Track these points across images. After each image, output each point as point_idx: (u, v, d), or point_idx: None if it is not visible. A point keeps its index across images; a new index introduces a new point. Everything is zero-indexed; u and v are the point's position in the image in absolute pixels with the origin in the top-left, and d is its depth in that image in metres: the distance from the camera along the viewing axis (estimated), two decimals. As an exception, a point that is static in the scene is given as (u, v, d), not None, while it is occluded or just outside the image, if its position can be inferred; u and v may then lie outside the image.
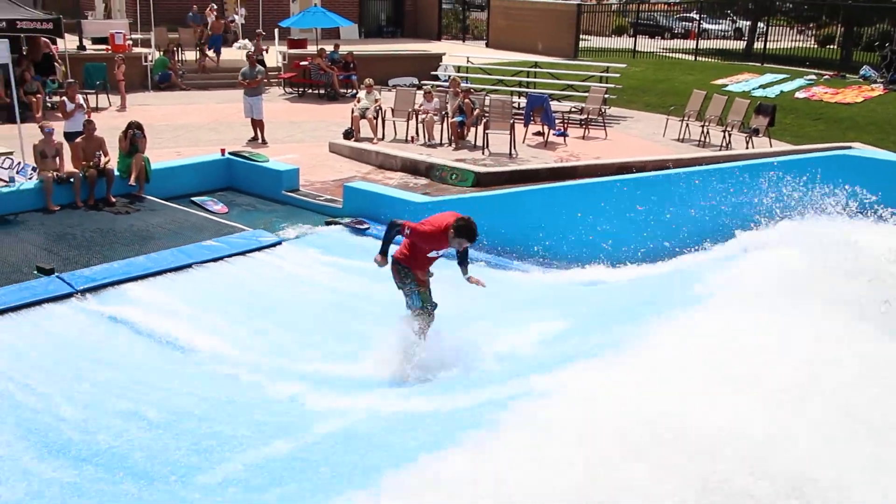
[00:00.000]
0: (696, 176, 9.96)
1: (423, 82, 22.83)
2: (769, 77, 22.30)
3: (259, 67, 17.40)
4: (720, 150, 16.40)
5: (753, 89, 21.11)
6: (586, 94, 19.90)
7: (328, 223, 11.64)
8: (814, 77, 22.01)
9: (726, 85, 21.72)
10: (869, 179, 8.44)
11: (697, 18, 33.03)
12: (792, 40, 29.18)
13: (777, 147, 16.10)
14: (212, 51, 25.02)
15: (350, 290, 9.52)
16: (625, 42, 30.75)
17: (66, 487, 6.00)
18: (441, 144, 16.90)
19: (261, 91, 17.08)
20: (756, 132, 16.77)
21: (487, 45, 31.37)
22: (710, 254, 9.13)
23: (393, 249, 7.53)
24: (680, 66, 26.18)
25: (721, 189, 9.42)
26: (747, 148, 16.27)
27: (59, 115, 14.93)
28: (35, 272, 9.22)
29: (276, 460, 6.06)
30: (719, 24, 36.26)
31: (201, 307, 8.92)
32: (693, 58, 27.77)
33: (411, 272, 7.44)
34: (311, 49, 24.85)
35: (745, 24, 33.47)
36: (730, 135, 16.85)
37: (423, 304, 7.47)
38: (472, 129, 17.03)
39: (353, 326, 8.55)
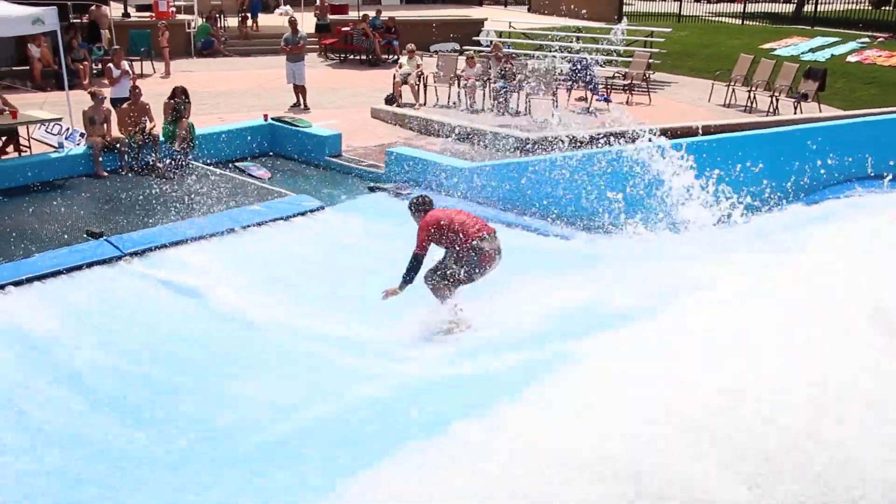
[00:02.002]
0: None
1: (464, 48, 22.64)
2: (819, 40, 21.65)
3: (301, 33, 17.34)
4: (767, 115, 16.06)
5: (803, 53, 20.54)
6: (630, 60, 19.58)
7: (371, 189, 11.64)
8: (867, 40, 21.27)
9: (774, 49, 21.19)
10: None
11: (746, -19, 32.24)
12: (844, 2, 28.31)
13: (827, 112, 15.71)
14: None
15: (391, 255, 9.52)
16: (670, 6, 30.06)
17: (110, 436, 6.18)
18: (483, 110, 16.78)
19: (303, 57, 17.07)
20: (805, 97, 16.33)
21: (529, 10, 31.01)
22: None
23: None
24: (726, 29, 25.59)
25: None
26: (795, 113, 15.89)
27: (106, 81, 15.07)
28: (85, 236, 9.37)
29: (320, 422, 6.11)
30: (768, -13, 35.37)
31: (244, 271, 8.98)
32: (740, 21, 27.14)
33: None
34: (353, 15, 24.77)
35: (795, -15, 32.58)
36: (777, 100, 16.45)
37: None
38: (515, 95, 16.86)
39: (390, 284, 8.59)
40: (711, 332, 5.17)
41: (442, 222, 7.43)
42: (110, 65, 14.69)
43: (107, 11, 21.24)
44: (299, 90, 16.93)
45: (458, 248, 7.45)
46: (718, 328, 5.24)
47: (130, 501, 5.37)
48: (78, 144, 12.19)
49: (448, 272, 7.55)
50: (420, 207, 7.74)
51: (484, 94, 17.17)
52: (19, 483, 5.60)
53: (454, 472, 4.22)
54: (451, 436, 4.54)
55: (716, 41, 23.26)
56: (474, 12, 29.01)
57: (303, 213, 10.49)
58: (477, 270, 7.45)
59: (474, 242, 7.35)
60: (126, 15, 23.33)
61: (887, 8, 27.59)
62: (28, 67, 18.65)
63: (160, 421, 6.44)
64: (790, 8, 30.74)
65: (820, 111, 15.86)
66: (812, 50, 20.82)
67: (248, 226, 9.96)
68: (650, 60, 19.09)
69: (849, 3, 28.30)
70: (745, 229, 8.93)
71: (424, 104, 17.16)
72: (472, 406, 4.94)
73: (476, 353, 6.81)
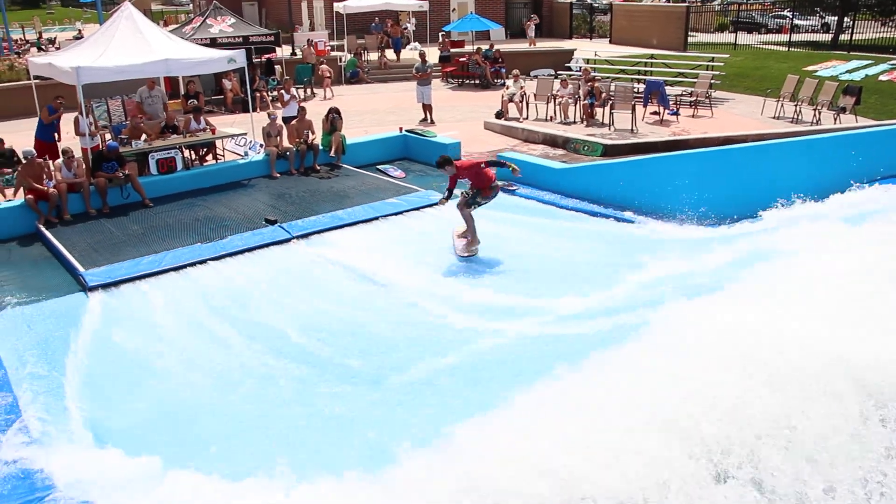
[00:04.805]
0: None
1: (558, 72, 22.09)
2: (855, 63, 19.87)
3: (428, 62, 17.28)
4: (811, 125, 14.98)
5: (841, 74, 18.88)
6: (695, 80, 18.62)
7: (483, 185, 11.45)
8: (896, 62, 19.56)
9: (816, 71, 19.59)
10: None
11: (789, 16, 30.20)
12: (875, 32, 26.02)
13: (862, 123, 14.52)
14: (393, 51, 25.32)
15: (502, 234, 9.41)
16: (726, 37, 28.43)
17: (288, 378, 6.30)
18: (574, 122, 16.31)
19: (429, 82, 17.00)
20: (843, 110, 15.12)
21: (611, 42, 29.92)
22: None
23: None
24: (774, 56, 23.87)
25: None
26: (835, 123, 14.77)
27: (279, 104, 15.41)
28: (263, 222, 9.60)
29: (449, 368, 6.05)
30: (808, 20, 32.99)
31: (386, 249, 9.02)
32: (786, 49, 25.30)
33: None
34: (469, 48, 24.57)
35: (832, 19, 30.13)
36: (820, 113, 15.31)
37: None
38: (600, 110, 16.32)
39: (504, 261, 8.53)
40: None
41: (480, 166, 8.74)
42: (282, 91, 15.00)
43: (311, 52, 21.98)
44: (427, 108, 16.89)
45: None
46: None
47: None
48: (258, 153, 12.51)
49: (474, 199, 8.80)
50: (449, 161, 8.75)
51: (575, 109, 16.69)
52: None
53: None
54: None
55: (766, 65, 21.79)
56: (565, 44, 28.29)
57: (430, 205, 10.42)
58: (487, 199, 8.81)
59: (493, 184, 8.78)
60: (293, 54, 23.88)
61: None
62: (222, 96, 19.35)
63: (331, 365, 6.56)
64: (828, 37, 28.45)
65: (856, 122, 14.67)
66: (849, 71, 19.15)
67: (388, 215, 9.99)
68: (711, 81, 18.08)
69: (879, 32, 26.01)
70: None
71: (527, 118, 16.82)
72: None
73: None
